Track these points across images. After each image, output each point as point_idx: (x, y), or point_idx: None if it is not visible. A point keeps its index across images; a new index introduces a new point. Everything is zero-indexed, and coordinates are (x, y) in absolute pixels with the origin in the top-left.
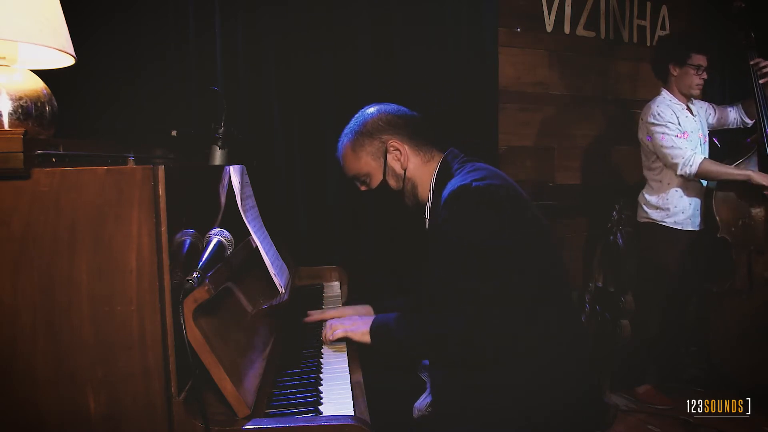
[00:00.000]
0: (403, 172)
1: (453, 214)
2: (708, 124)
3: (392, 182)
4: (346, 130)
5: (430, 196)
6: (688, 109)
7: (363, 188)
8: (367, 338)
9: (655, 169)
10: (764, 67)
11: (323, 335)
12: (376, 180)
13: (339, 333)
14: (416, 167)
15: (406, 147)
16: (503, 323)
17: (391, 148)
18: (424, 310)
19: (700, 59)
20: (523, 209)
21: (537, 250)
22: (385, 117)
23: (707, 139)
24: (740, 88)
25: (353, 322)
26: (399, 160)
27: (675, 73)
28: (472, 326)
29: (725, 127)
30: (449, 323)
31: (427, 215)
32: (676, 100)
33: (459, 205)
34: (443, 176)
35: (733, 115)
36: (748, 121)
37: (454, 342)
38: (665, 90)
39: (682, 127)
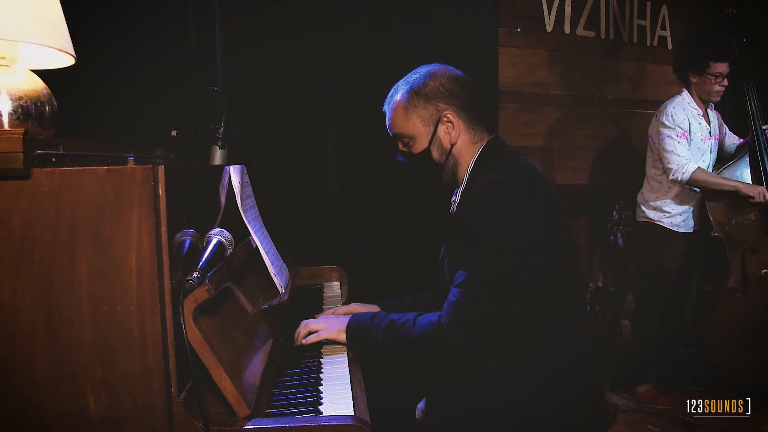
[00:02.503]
0: (449, 147)
1: (480, 207)
2: (721, 134)
3: (436, 154)
4: (403, 83)
5: (465, 180)
6: (705, 115)
7: (404, 149)
8: (342, 337)
9: (659, 168)
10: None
11: (296, 334)
12: (420, 146)
13: (312, 338)
14: (464, 145)
15: (461, 122)
16: (487, 327)
17: (445, 119)
18: (438, 301)
19: (721, 67)
20: (552, 213)
21: (556, 254)
22: (448, 83)
23: (717, 147)
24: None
25: (327, 321)
26: (449, 133)
27: (694, 80)
28: (465, 324)
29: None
30: (433, 320)
31: (457, 199)
32: (694, 104)
33: (489, 199)
34: (483, 163)
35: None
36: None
37: (439, 338)
38: (686, 92)
39: (692, 133)
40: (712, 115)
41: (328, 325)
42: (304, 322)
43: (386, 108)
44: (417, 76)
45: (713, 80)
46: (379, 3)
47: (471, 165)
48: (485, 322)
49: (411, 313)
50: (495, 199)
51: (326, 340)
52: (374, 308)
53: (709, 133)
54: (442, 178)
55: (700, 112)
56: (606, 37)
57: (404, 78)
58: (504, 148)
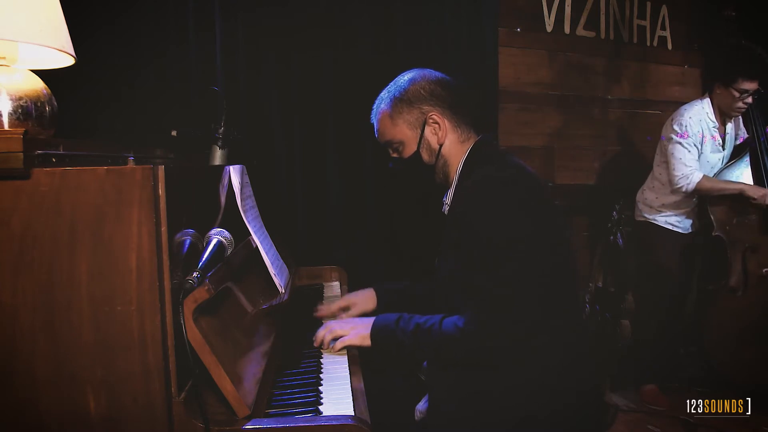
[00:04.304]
0: (438, 147)
1: (477, 205)
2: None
3: (425, 156)
4: (384, 94)
5: (455, 181)
6: (722, 128)
7: (394, 155)
8: (367, 342)
9: (662, 172)
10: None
11: (319, 337)
12: (409, 150)
13: (338, 346)
14: (452, 144)
15: (446, 122)
16: (515, 324)
17: (431, 121)
18: (436, 303)
19: (749, 85)
20: (548, 210)
21: (554, 251)
22: (429, 86)
23: (727, 156)
24: None
25: (353, 326)
26: (436, 134)
27: (718, 91)
28: (483, 327)
29: None
30: (459, 324)
31: (448, 200)
32: (711, 116)
33: (485, 196)
34: (472, 162)
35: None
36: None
37: (463, 344)
38: (707, 100)
39: (703, 146)
40: (729, 126)
41: (354, 330)
42: (328, 326)
43: (373, 119)
44: (398, 83)
45: (738, 96)
46: (379, 3)
47: (461, 165)
48: (510, 323)
49: (435, 316)
50: (494, 197)
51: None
52: (370, 293)
53: (722, 146)
54: (434, 178)
55: (716, 124)
56: (606, 37)
57: (387, 87)
58: (493, 148)
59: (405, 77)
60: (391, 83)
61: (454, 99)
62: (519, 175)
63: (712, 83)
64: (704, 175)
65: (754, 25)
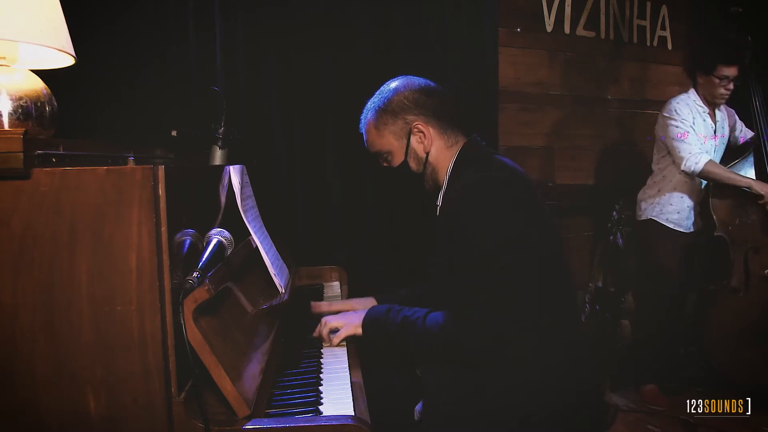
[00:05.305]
0: (425, 155)
1: (468, 205)
2: (733, 135)
3: (413, 165)
4: (370, 105)
5: (446, 183)
6: (711, 113)
7: (385, 164)
8: (359, 331)
9: (664, 164)
10: None
11: (317, 330)
12: (398, 160)
13: (335, 340)
14: (439, 151)
15: (431, 129)
16: (507, 323)
17: (416, 130)
18: (427, 301)
19: (728, 71)
20: (538, 209)
21: (546, 250)
22: (412, 95)
23: (722, 146)
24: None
25: (346, 318)
26: (422, 142)
27: (701, 80)
28: (470, 327)
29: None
30: (440, 321)
31: (440, 202)
32: (699, 102)
33: (476, 196)
34: (462, 164)
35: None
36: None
37: (447, 341)
38: (692, 90)
39: (695, 129)
40: (720, 115)
41: (348, 321)
42: (324, 320)
43: (362, 130)
44: (382, 94)
45: (718, 82)
46: (379, 3)
47: (449, 168)
48: (491, 324)
49: (422, 310)
50: (482, 197)
51: (347, 337)
52: (371, 301)
53: (714, 131)
54: (424, 186)
55: (706, 110)
56: (606, 37)
57: (372, 98)
58: (480, 149)
59: (389, 86)
60: (376, 93)
61: (439, 105)
62: (506, 175)
63: (694, 74)
64: (711, 160)
65: (754, 25)
